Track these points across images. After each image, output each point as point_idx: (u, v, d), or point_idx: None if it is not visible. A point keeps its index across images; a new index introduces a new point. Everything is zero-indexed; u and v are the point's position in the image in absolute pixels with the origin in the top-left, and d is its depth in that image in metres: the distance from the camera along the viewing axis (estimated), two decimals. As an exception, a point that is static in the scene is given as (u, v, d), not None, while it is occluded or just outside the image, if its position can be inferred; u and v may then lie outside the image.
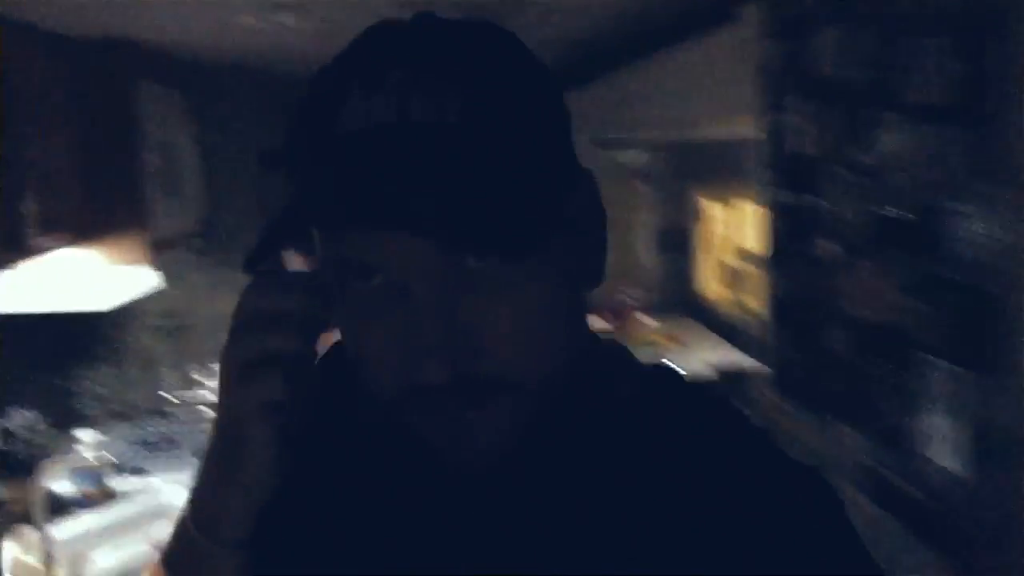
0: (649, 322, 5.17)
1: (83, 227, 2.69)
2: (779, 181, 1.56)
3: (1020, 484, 1.02)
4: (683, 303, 5.58)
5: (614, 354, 0.66)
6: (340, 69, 0.55)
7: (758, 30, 1.68)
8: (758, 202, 4.30)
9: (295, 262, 0.91)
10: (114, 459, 2.92)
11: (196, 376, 3.69)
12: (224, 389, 0.58)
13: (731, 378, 4.06)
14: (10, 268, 2.26)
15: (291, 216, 0.53)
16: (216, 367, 0.61)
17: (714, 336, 4.98)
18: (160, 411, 3.50)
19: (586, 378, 0.59)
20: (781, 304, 1.59)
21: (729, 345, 4.73)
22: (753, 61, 1.69)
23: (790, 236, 1.51)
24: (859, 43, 1.27)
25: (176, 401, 3.57)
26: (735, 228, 4.86)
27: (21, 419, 2.80)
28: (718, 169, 4.92)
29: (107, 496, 2.71)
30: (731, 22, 1.88)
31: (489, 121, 0.52)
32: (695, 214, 5.46)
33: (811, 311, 1.41)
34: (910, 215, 1.14)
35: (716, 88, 2.15)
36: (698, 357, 4.48)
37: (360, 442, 0.66)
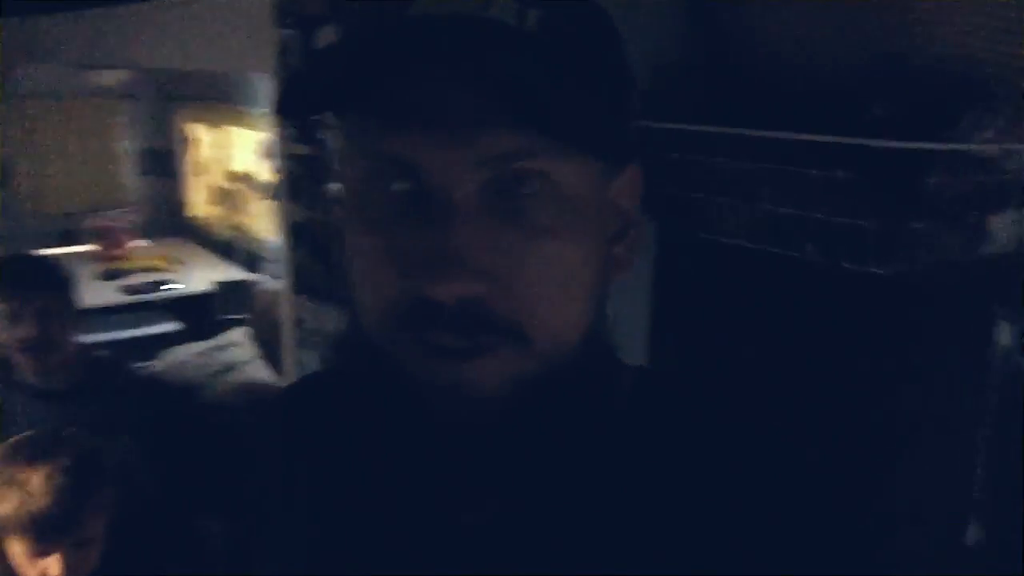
0: (144, 246, 5.22)
1: None
2: (294, 131, 2.05)
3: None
4: (176, 225, 5.69)
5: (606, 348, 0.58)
6: None
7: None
8: (246, 127, 4.67)
9: None
10: None
11: None
12: None
13: (230, 289, 4.41)
14: None
15: (338, 85, 0.47)
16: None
17: (210, 255, 5.23)
18: None
19: (584, 361, 0.52)
20: (297, 226, 2.10)
21: (225, 261, 5.04)
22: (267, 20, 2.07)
23: (304, 176, 2.03)
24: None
25: None
26: (224, 151, 5.13)
27: None
28: (205, 93, 5.09)
29: None
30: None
31: (564, 39, 0.48)
32: (182, 137, 5.55)
33: (323, 231, 1.96)
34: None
35: (224, 39, 2.42)
36: (198, 276, 4.72)
37: (349, 401, 0.61)
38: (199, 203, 5.51)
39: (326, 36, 1.87)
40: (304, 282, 2.09)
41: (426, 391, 0.49)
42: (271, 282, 4.13)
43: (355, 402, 0.60)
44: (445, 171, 0.46)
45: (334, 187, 1.87)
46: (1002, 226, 1.11)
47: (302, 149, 1.99)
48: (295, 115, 0.55)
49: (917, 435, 1.21)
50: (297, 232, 2.08)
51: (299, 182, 2.05)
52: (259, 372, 3.70)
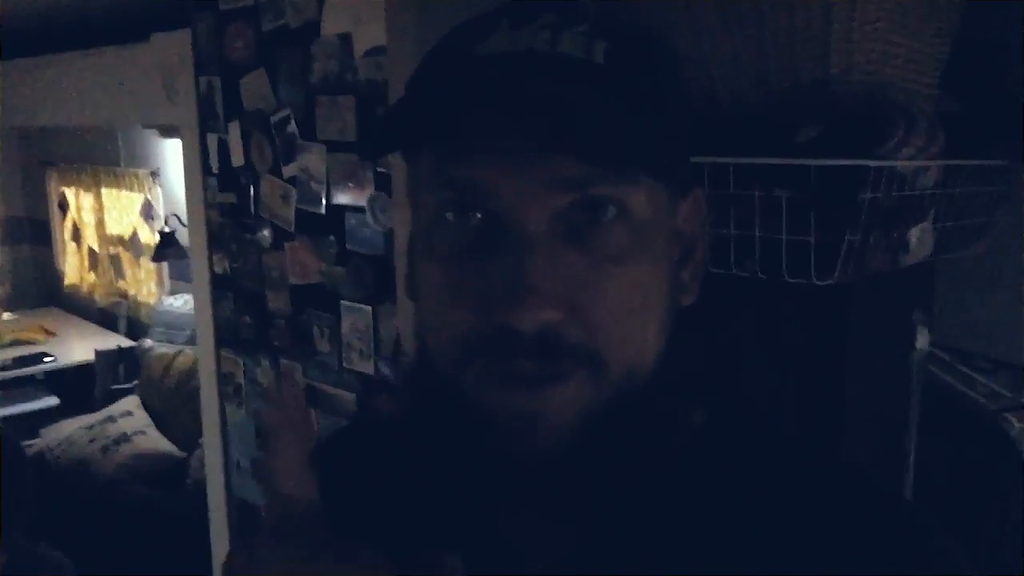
0: (13, 319, 4.89)
1: None
2: (220, 184, 2.00)
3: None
4: (51, 295, 5.38)
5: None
6: (489, 13, 0.51)
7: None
8: (125, 188, 4.49)
9: None
10: None
11: None
12: None
13: (115, 357, 4.20)
14: None
15: (413, 122, 0.50)
16: None
17: (85, 322, 4.96)
18: None
19: (656, 390, 0.51)
20: (220, 278, 2.03)
21: (103, 328, 4.80)
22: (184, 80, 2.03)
23: (228, 226, 1.97)
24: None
25: None
26: (102, 214, 4.90)
27: None
28: (80, 155, 4.88)
29: None
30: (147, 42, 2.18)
31: (631, 70, 0.49)
32: (56, 201, 5.28)
33: (252, 282, 1.90)
34: (320, 211, 1.73)
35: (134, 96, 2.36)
36: (78, 346, 4.48)
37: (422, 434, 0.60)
38: (76, 270, 5.24)
39: (254, 80, 1.84)
40: (228, 336, 2.02)
41: (502, 422, 0.48)
42: (160, 347, 3.96)
43: (428, 438, 0.58)
44: (519, 199, 0.47)
45: (263, 235, 1.83)
46: (918, 237, 1.20)
47: (228, 197, 1.94)
48: (375, 155, 0.60)
49: (852, 438, 1.27)
50: (221, 284, 2.01)
51: (223, 232, 1.98)
52: (155, 441, 3.51)
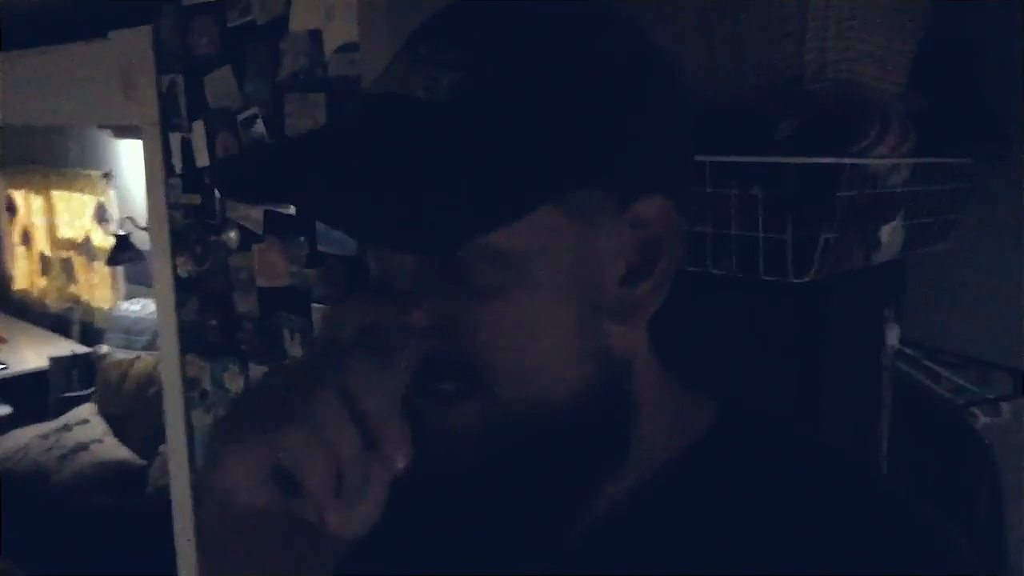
0: (-39, 324, 4.75)
1: None
2: (184, 185, 1.96)
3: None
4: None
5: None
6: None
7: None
8: (78, 190, 4.38)
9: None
10: None
11: None
12: None
13: (70, 364, 4.11)
14: None
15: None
16: None
17: (37, 328, 4.84)
18: None
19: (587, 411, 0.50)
20: (184, 281, 1.99)
21: (55, 334, 4.68)
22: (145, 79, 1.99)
23: (192, 227, 1.93)
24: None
25: None
26: (53, 217, 4.79)
27: None
28: (30, 156, 4.76)
29: None
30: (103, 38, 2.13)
31: (480, 103, 0.45)
32: (5, 204, 5.14)
33: (218, 285, 1.87)
34: (290, 211, 1.71)
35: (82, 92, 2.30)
36: (26, 352, 4.36)
37: None
38: (26, 274, 5.10)
39: (219, 78, 1.81)
40: (194, 340, 1.98)
41: (429, 433, 0.48)
42: (117, 353, 3.88)
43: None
44: (390, 260, 0.49)
45: (229, 236, 1.80)
46: (889, 235, 1.22)
47: (192, 198, 1.90)
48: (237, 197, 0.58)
49: (826, 434, 1.28)
50: (185, 287, 1.97)
51: (187, 233, 1.95)
52: (113, 449, 3.43)
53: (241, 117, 1.77)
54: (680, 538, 0.51)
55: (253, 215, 1.78)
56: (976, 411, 1.34)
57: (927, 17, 1.17)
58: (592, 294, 0.49)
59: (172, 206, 1.95)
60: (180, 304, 1.96)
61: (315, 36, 1.58)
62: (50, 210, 4.80)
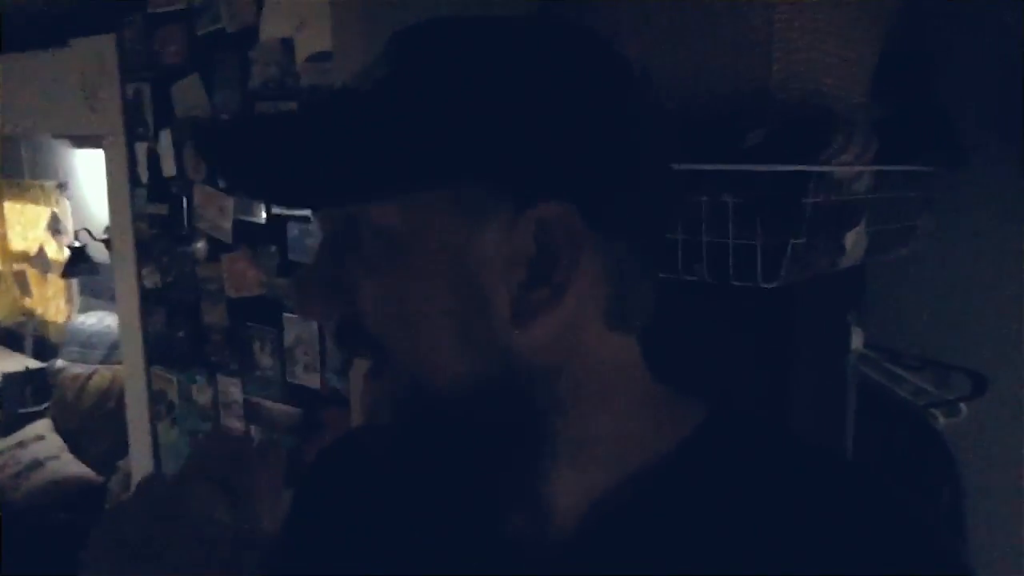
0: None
1: None
2: (149, 195, 1.93)
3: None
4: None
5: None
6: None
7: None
8: (29, 201, 4.28)
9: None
10: None
11: None
12: None
13: (23, 379, 4.00)
14: None
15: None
16: None
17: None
18: None
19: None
20: (149, 292, 1.95)
21: (7, 349, 4.56)
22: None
23: (159, 238, 1.90)
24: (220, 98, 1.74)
25: None
26: (5, 229, 4.67)
27: None
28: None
29: None
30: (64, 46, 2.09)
31: (390, 93, 0.48)
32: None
33: (186, 296, 1.83)
34: (260, 220, 1.68)
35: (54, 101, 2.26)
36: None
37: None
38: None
39: (187, 86, 1.79)
40: (160, 352, 1.95)
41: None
42: (74, 367, 3.79)
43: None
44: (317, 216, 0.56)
45: (197, 246, 1.78)
46: (853, 240, 1.25)
47: (159, 209, 1.88)
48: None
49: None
50: (151, 299, 1.93)
51: (153, 244, 1.92)
52: (69, 466, 3.35)
53: (209, 126, 1.75)
54: (665, 536, 0.51)
55: (220, 225, 1.76)
56: (936, 412, 1.37)
57: (889, 31, 1.21)
58: (479, 292, 0.49)
59: (137, 216, 1.92)
60: (145, 316, 1.93)
61: (287, 44, 1.58)
62: (2, 222, 4.68)
